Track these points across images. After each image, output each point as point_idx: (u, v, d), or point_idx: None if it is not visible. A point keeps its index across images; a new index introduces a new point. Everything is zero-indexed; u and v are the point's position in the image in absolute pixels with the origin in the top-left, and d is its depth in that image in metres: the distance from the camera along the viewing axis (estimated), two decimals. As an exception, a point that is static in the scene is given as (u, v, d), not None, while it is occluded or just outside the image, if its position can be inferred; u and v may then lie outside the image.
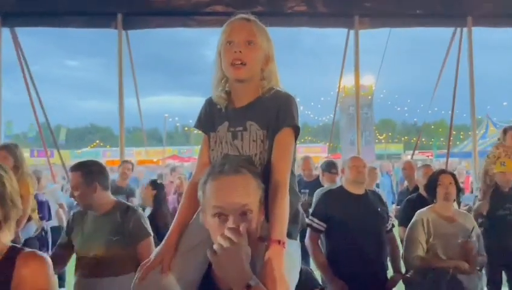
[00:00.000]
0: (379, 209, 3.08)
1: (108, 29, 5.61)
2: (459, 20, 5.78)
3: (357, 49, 5.70)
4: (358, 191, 3.10)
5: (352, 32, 5.77)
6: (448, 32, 6.15)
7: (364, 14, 5.60)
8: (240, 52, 1.50)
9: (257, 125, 1.56)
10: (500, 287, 3.86)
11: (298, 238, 1.62)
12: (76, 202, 2.63)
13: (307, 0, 5.42)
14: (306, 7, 5.48)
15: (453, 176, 3.04)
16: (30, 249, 1.43)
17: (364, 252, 2.91)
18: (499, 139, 4.57)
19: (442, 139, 37.09)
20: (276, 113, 1.54)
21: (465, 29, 5.81)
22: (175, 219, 1.60)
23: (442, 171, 3.12)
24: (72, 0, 5.42)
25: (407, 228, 3.04)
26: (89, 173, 2.49)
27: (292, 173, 1.58)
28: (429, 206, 3.03)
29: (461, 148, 21.64)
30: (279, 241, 1.34)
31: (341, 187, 3.19)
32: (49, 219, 5.26)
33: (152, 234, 2.60)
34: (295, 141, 1.58)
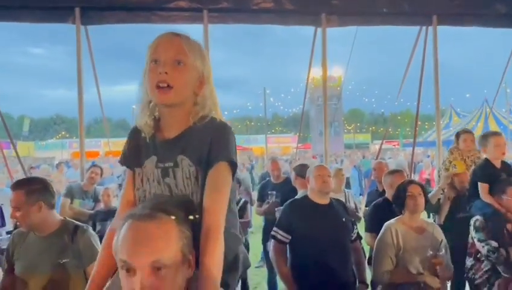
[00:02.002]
0: (344, 219, 3.03)
1: (66, 24, 5.33)
2: (424, 19, 5.80)
3: (324, 47, 5.63)
4: (323, 200, 3.03)
5: (319, 30, 5.69)
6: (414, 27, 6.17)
7: (331, 12, 5.53)
8: (166, 73, 1.29)
9: (189, 160, 1.35)
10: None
11: (239, 284, 1.47)
12: (18, 223, 2.44)
13: (273, -3, 5.30)
14: (273, 4, 5.35)
15: (421, 186, 3.01)
16: None
17: (329, 264, 2.86)
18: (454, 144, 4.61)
19: (408, 129, 37.89)
20: (209, 146, 1.34)
21: (430, 28, 5.84)
22: (91, 275, 1.41)
23: (411, 182, 3.09)
24: (27, -7, 5.12)
25: (376, 241, 2.99)
26: (33, 191, 2.30)
27: (231, 211, 1.40)
28: (398, 217, 2.99)
29: (426, 137, 22.24)
30: None
31: (305, 197, 3.13)
32: (3, 225, 5.00)
33: None
34: (232, 177, 1.38)
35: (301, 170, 4.62)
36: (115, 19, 5.45)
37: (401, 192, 2.97)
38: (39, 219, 2.32)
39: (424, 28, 5.90)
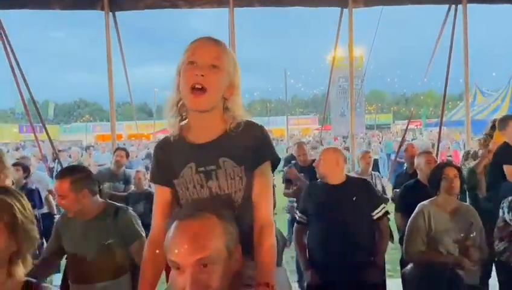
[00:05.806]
0: (354, 198, 2.99)
1: (95, 11, 5.41)
2: (454, -2, 5.66)
3: (351, 28, 5.58)
4: (335, 181, 3.08)
5: (345, 10, 5.63)
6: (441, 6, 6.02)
7: (358, -8, 5.46)
8: (202, 76, 1.36)
9: (232, 162, 1.44)
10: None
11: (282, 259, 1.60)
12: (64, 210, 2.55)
13: (299, -21, 5.26)
14: (299, -15, 5.32)
15: (458, 169, 3.01)
16: (45, 285, 1.34)
17: (335, 244, 2.90)
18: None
19: (431, 108, 37.16)
20: (253, 148, 1.45)
21: (460, 6, 5.70)
22: (141, 273, 1.47)
23: (448, 164, 3.09)
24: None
25: (408, 221, 3.02)
26: (77, 180, 2.40)
27: None
28: (431, 199, 3.00)
29: (449, 117, 21.83)
30: (267, 284, 1.30)
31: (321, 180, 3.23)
32: (40, 207, 5.21)
33: (144, 234, 2.52)
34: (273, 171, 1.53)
35: None
36: (142, 5, 5.49)
37: (437, 174, 2.98)
38: (84, 205, 2.42)
39: (453, 6, 5.77)
